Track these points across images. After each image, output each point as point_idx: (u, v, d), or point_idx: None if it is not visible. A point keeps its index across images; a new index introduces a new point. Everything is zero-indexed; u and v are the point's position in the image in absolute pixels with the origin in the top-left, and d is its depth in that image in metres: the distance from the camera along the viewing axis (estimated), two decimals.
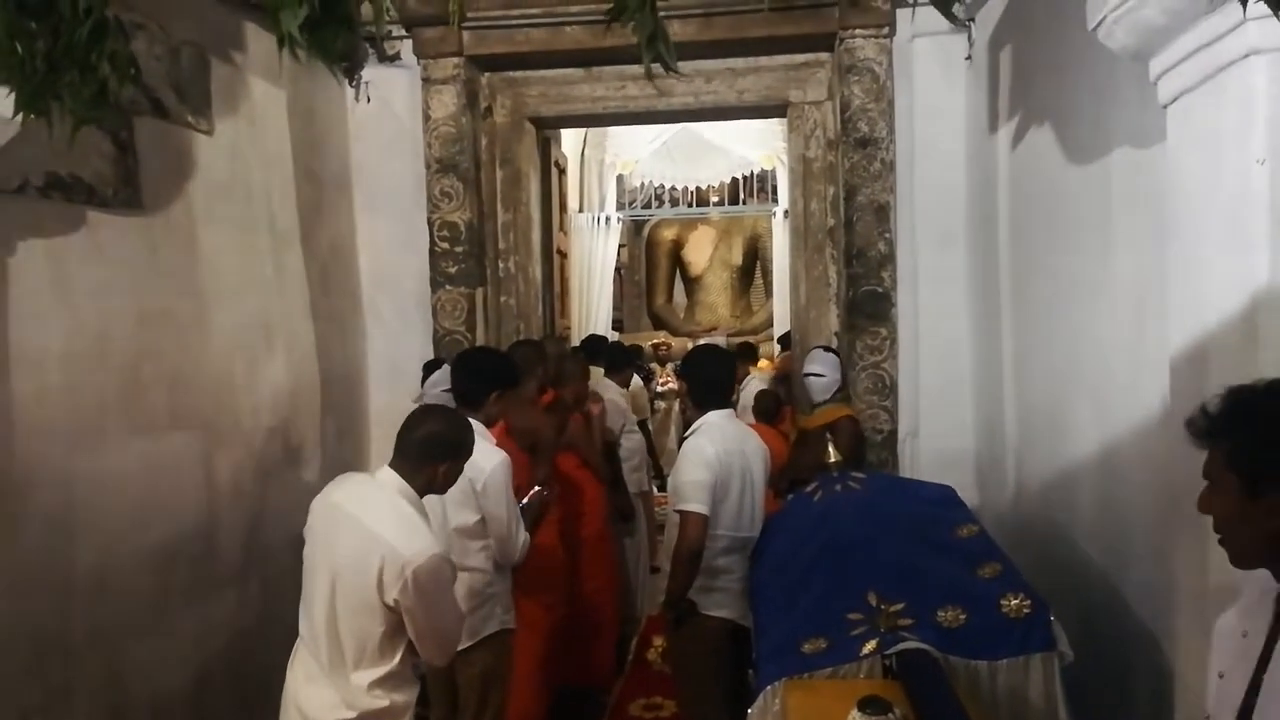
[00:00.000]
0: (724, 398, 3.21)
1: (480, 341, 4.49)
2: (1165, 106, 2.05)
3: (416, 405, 2.81)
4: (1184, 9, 1.82)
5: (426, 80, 4.47)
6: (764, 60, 4.52)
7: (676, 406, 7.94)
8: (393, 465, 2.38)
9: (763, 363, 8.19)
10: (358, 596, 2.25)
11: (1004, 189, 3.65)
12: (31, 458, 2.55)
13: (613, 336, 8.35)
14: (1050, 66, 3.06)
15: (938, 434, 4.28)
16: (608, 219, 9.06)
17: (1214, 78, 1.87)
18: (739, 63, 4.52)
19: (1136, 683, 2.56)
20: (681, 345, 9.06)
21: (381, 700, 2.29)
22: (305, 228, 3.98)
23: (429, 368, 4.12)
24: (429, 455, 2.38)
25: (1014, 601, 2.31)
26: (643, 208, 10.31)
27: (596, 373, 5.04)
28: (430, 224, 4.52)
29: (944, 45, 4.13)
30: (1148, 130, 2.27)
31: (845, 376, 4.16)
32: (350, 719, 2.27)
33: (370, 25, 3.26)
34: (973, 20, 3.97)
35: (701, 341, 6.47)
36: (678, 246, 11.36)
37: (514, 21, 4.35)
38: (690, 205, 10.59)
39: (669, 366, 8.85)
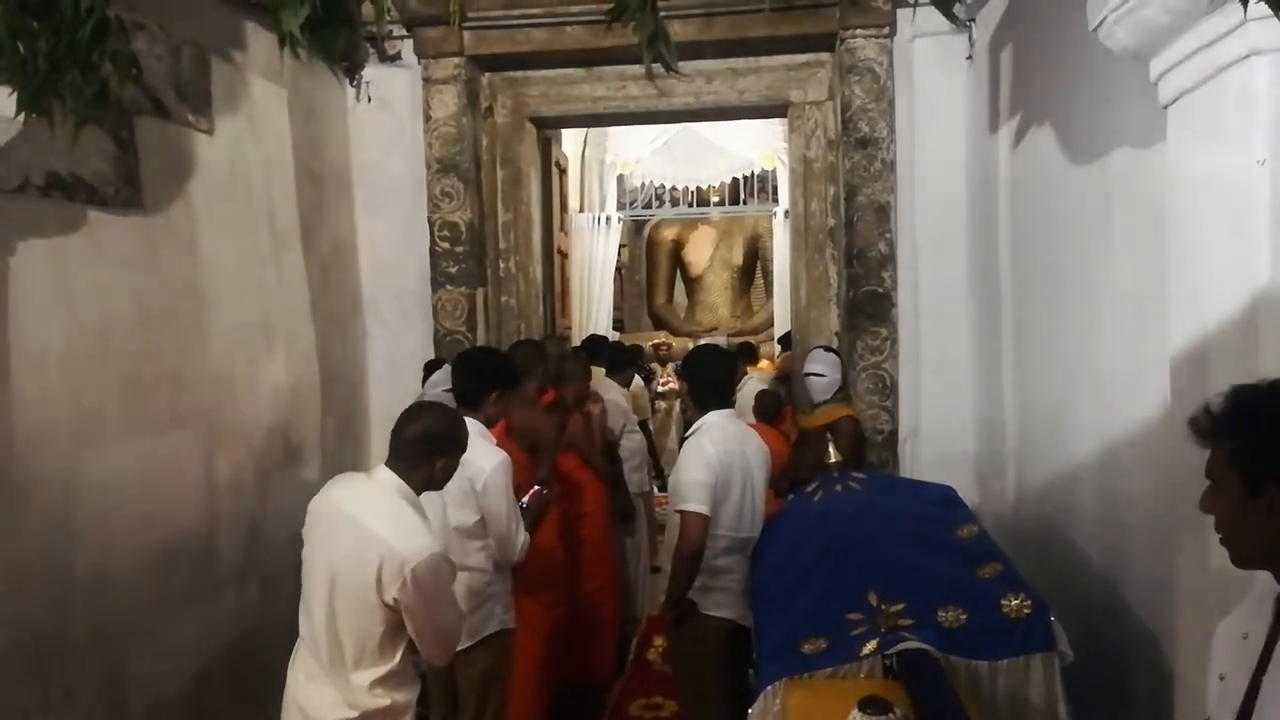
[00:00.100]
0: (725, 398, 3.21)
1: (481, 341, 4.49)
2: (1165, 106, 2.05)
3: None
4: (1185, 9, 1.82)
5: (427, 80, 4.47)
6: (764, 60, 4.52)
7: (677, 406, 7.94)
8: (389, 464, 2.38)
9: (763, 363, 8.19)
10: (357, 596, 2.25)
11: (1004, 189, 3.65)
12: (32, 457, 2.55)
13: (613, 336, 8.34)
14: (1050, 66, 3.07)
15: (938, 434, 4.29)
16: (608, 219, 9.06)
17: (1215, 78, 1.87)
18: (740, 63, 4.52)
19: (1136, 683, 2.56)
20: (682, 345, 9.06)
21: (383, 699, 2.29)
22: (305, 227, 3.98)
23: (429, 367, 4.12)
24: (425, 452, 2.37)
25: (1014, 601, 2.31)
26: (643, 208, 10.31)
27: (597, 373, 5.04)
28: (431, 224, 4.52)
29: (944, 45, 4.13)
30: (1148, 130, 2.27)
31: (846, 376, 4.16)
32: (352, 718, 2.27)
33: (371, 25, 3.27)
34: (973, 20, 3.97)
35: (702, 341, 6.47)
36: (678, 246, 11.36)
37: (515, 21, 4.35)
38: (691, 205, 10.59)
39: (669, 366, 8.85)
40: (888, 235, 4.26)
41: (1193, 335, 1.98)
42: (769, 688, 2.27)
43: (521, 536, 3.00)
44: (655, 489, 6.04)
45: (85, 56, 1.80)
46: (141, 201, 3.01)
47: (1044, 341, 3.30)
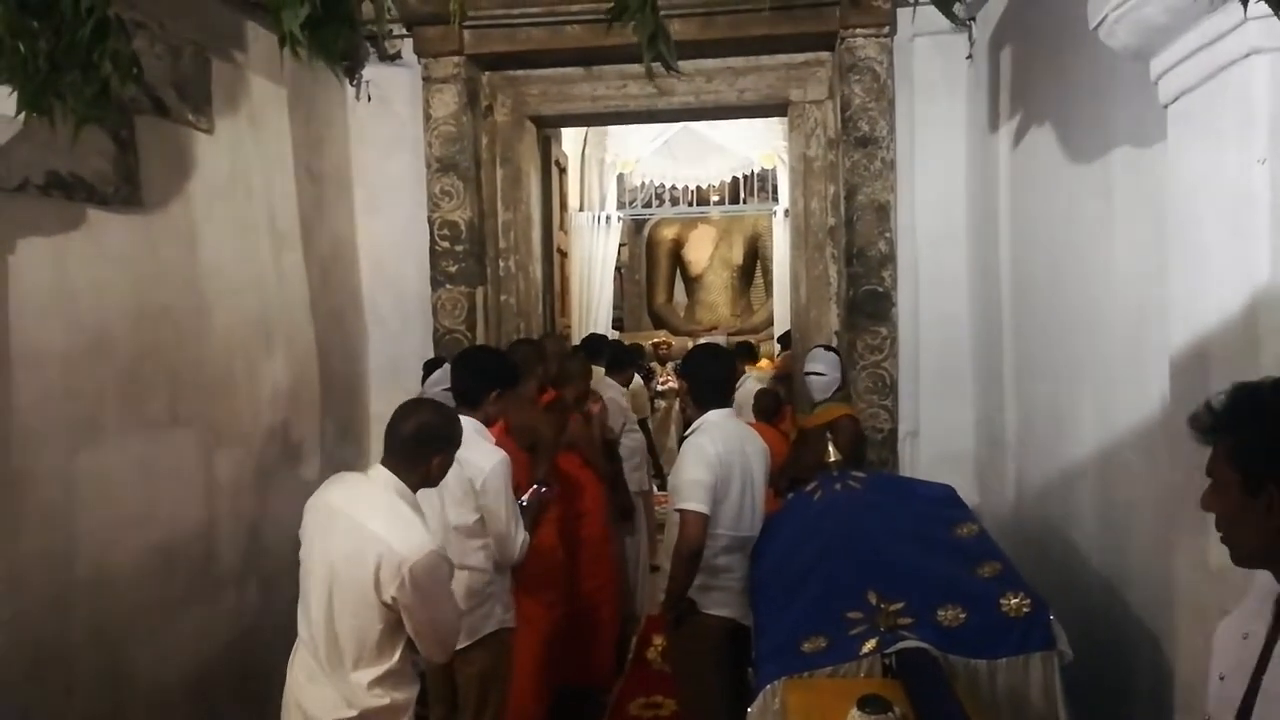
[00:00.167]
0: (725, 397, 3.21)
1: (480, 340, 4.50)
2: (1166, 106, 2.05)
3: None
4: (1185, 8, 1.82)
5: (427, 79, 4.47)
6: (765, 59, 4.52)
7: (677, 405, 7.94)
8: (384, 463, 2.37)
9: (762, 362, 8.19)
10: (355, 595, 2.25)
11: (1004, 188, 3.65)
12: (31, 456, 2.55)
13: (613, 336, 8.35)
14: (1050, 66, 3.06)
15: (938, 433, 4.29)
16: (608, 218, 9.05)
17: (1215, 77, 1.87)
18: (740, 62, 4.52)
19: (1136, 683, 2.56)
20: (682, 344, 9.06)
21: (382, 698, 2.29)
22: (305, 226, 3.98)
23: (429, 366, 4.12)
24: (421, 449, 2.37)
25: (1014, 600, 2.31)
26: (643, 207, 10.30)
27: (597, 372, 5.04)
28: (430, 223, 4.52)
29: (944, 45, 4.13)
30: (1148, 130, 2.27)
31: (845, 375, 4.16)
32: (352, 717, 2.27)
33: (371, 24, 3.26)
34: (973, 20, 3.96)
35: (702, 341, 6.48)
36: (678, 245, 11.36)
37: (515, 20, 4.35)
38: (691, 204, 10.58)
39: (669, 366, 8.85)
40: (888, 234, 4.26)
41: (1193, 334, 1.98)
42: (768, 687, 2.26)
43: (521, 536, 2.99)
44: (655, 488, 6.05)
45: (85, 56, 1.80)
46: (141, 201, 3.01)
47: (1044, 341, 3.30)
